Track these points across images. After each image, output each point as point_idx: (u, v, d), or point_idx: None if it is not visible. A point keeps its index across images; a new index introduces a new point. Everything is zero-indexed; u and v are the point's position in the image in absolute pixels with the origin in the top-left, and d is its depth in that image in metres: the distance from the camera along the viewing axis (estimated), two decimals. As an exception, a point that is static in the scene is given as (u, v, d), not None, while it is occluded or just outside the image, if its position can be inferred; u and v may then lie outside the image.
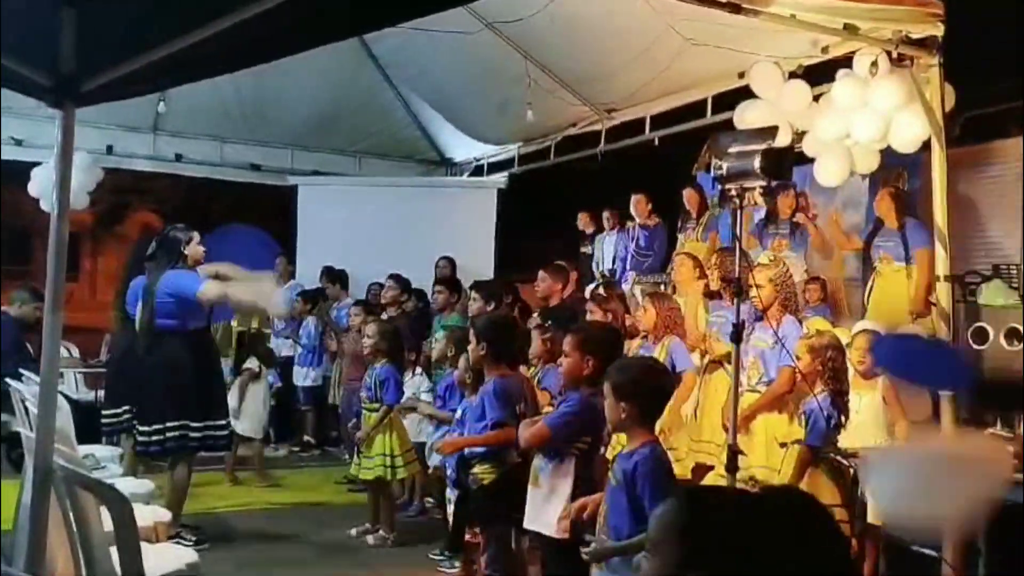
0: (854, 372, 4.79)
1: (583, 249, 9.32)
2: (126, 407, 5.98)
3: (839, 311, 6.69)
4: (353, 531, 5.63)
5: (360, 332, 7.35)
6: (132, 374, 5.70)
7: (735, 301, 4.22)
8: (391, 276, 7.84)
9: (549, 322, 5.24)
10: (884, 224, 6.36)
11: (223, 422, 5.48)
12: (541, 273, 6.36)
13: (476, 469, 4.16)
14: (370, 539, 5.52)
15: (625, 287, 7.69)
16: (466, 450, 4.26)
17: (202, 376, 5.34)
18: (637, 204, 8.47)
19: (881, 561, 4.06)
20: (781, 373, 4.79)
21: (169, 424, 5.20)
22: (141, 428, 5.30)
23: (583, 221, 9.45)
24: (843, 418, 4.24)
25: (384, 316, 7.44)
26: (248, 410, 7.12)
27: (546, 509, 3.57)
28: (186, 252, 5.32)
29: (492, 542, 4.12)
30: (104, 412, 6.28)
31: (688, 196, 8.05)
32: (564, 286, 6.35)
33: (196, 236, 5.44)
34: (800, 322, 5.01)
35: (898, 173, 7.04)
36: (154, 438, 5.21)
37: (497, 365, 4.29)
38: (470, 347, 4.55)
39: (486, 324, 4.55)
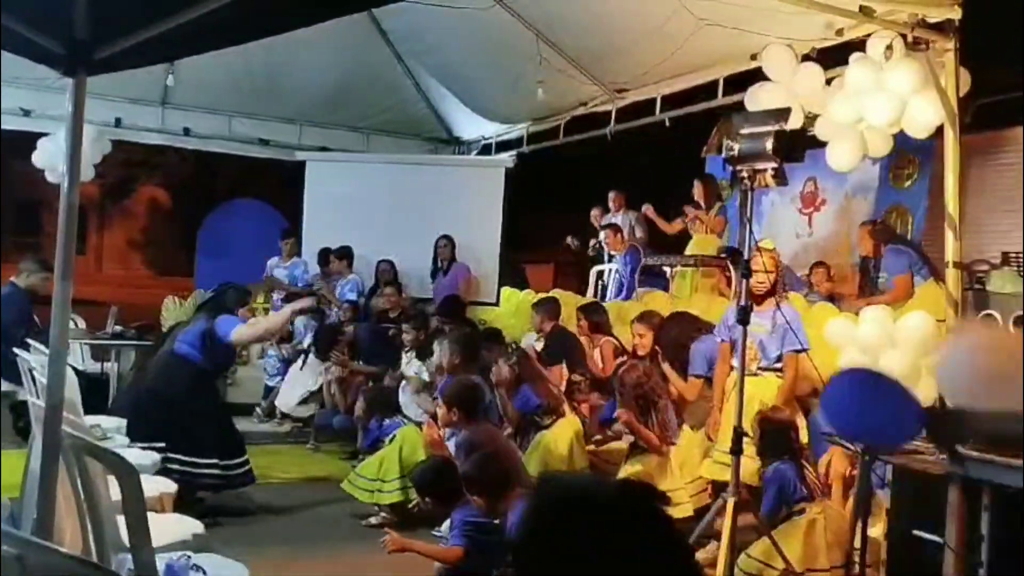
0: None
1: (595, 240, 9.10)
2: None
3: (843, 296, 6.68)
4: (374, 519, 5.57)
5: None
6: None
7: (744, 283, 4.21)
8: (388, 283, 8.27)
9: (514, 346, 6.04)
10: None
11: (203, 460, 5.24)
12: (531, 312, 6.91)
13: None
14: (374, 519, 5.53)
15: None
16: None
17: (195, 413, 5.32)
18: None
19: (883, 547, 4.07)
20: (787, 362, 4.74)
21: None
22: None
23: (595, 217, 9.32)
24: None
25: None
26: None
27: None
28: (235, 311, 5.48)
29: None
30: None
31: (697, 188, 7.97)
32: (556, 318, 6.65)
33: (250, 300, 5.73)
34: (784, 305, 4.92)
35: (909, 159, 7.02)
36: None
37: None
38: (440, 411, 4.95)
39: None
